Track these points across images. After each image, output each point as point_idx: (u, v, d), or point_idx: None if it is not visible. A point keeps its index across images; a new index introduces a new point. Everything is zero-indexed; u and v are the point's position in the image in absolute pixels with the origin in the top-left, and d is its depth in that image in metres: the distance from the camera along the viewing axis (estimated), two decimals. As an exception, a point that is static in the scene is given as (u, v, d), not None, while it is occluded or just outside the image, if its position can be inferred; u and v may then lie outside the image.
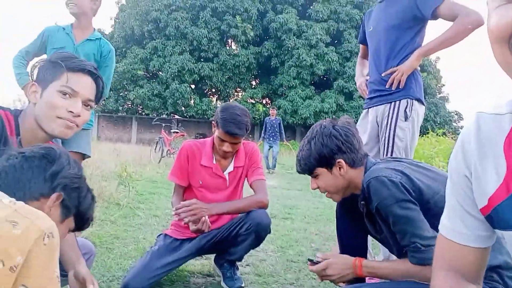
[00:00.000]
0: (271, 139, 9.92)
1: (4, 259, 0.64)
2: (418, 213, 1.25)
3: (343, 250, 1.67)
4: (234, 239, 2.06)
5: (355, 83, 2.66)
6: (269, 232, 2.06)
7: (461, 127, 25.57)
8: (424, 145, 8.92)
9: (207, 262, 2.40)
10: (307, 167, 1.48)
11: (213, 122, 2.03)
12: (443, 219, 0.82)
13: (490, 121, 0.72)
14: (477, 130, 0.74)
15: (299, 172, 1.55)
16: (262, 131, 10.17)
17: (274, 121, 10.00)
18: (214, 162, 2.09)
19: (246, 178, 2.16)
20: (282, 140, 10.21)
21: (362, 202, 1.42)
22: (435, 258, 0.83)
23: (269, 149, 9.93)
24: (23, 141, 1.20)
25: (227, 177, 2.11)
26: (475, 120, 0.75)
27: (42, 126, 1.19)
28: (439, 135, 10.78)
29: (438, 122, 22.56)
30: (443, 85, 26.75)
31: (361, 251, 1.65)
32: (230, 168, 2.11)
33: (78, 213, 1.00)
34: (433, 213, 1.23)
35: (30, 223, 0.68)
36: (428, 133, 10.63)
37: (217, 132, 1.98)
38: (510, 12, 0.57)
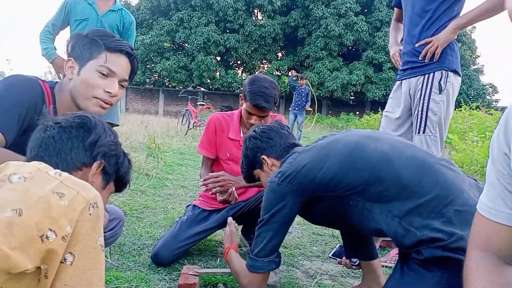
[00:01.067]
0: (296, 108, 9.77)
1: (56, 230, 0.67)
2: (280, 225, 1.34)
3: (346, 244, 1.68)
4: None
5: (385, 54, 2.56)
6: None
7: (496, 101, 24.46)
8: (457, 119, 8.62)
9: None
10: (246, 175, 1.58)
11: (240, 95, 2.01)
12: (482, 196, 0.79)
13: None
14: (506, 120, 0.70)
15: (246, 181, 1.66)
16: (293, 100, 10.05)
17: (302, 90, 9.78)
18: (242, 135, 2.09)
19: None
20: (306, 105, 9.97)
21: None
22: (471, 236, 0.80)
23: (295, 119, 9.82)
24: (58, 113, 1.23)
25: None
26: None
27: (77, 102, 1.22)
28: (473, 109, 10.37)
29: (472, 95, 21.63)
30: (478, 56, 25.49)
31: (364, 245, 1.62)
32: None
33: (117, 177, 1.03)
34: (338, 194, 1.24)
35: (76, 193, 0.71)
36: (461, 106, 10.25)
37: (245, 105, 1.96)
38: None
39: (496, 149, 0.74)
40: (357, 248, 1.61)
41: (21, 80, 1.16)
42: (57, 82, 1.28)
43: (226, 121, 2.10)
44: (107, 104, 1.24)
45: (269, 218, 1.33)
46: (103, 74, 1.21)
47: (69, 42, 1.24)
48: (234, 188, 1.89)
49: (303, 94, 9.71)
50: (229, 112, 2.17)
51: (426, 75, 2.06)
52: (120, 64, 1.25)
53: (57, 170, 0.76)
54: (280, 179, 1.30)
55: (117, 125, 2.72)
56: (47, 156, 0.88)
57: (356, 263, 1.61)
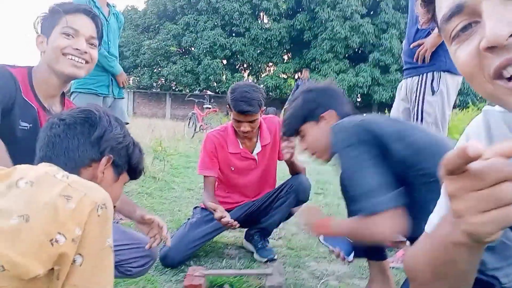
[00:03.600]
0: None
1: (64, 233, 0.67)
2: (369, 158, 1.11)
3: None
4: (271, 204, 2.11)
5: (392, 55, 2.56)
6: (308, 198, 2.11)
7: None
8: (464, 120, 8.54)
9: (240, 234, 2.45)
10: (291, 127, 1.43)
11: (227, 106, 2.02)
12: (432, 217, 0.73)
13: (499, 118, 0.66)
14: (486, 128, 0.68)
15: (284, 134, 1.50)
16: (291, 94, 9.92)
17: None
18: (241, 147, 2.09)
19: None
20: None
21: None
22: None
23: None
24: (39, 92, 1.28)
25: (256, 158, 2.12)
26: (483, 117, 0.69)
27: (53, 69, 1.27)
28: (480, 109, 10.26)
29: (479, 96, 21.37)
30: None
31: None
32: (258, 148, 2.12)
33: (130, 167, 1.03)
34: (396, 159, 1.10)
35: (83, 195, 0.71)
36: (468, 107, 10.17)
37: (232, 115, 1.97)
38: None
39: None
40: (367, 247, 1.56)
41: None
42: (35, 65, 1.34)
43: (223, 137, 2.10)
44: (81, 63, 1.29)
45: (354, 159, 1.12)
46: (67, 35, 1.26)
47: (36, 23, 1.30)
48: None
49: None
50: (221, 127, 2.17)
51: (420, 76, 2.08)
52: (82, 22, 1.30)
53: (65, 173, 0.76)
54: (359, 121, 1.17)
55: (127, 123, 2.75)
56: (55, 155, 0.88)
57: (350, 260, 1.57)
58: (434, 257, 0.59)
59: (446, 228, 0.54)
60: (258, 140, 2.11)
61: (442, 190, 0.73)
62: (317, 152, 1.42)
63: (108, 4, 2.57)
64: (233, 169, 2.11)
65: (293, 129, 1.42)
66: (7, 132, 1.16)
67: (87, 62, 1.30)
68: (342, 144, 1.16)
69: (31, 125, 1.23)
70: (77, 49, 1.26)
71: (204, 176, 2.08)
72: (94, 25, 1.34)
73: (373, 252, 1.57)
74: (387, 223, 1.05)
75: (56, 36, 1.26)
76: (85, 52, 1.28)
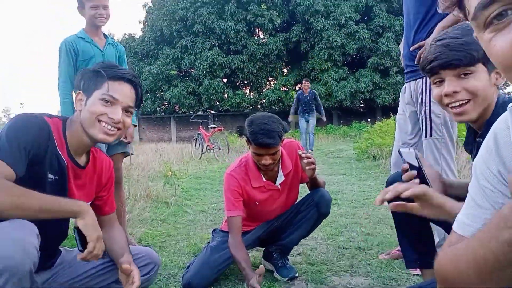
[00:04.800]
0: (306, 114, 9.34)
1: None
2: None
3: (405, 239, 1.59)
4: (292, 220, 2.07)
5: (390, 58, 2.56)
6: (329, 211, 2.06)
7: (509, 94, 23.94)
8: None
9: (257, 254, 2.41)
10: (470, 55, 1.11)
11: (245, 140, 1.93)
12: (463, 218, 0.73)
13: None
14: None
15: (446, 62, 1.14)
16: (292, 107, 9.57)
17: (308, 97, 9.26)
18: (264, 179, 2.02)
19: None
20: (320, 114, 9.48)
21: (479, 139, 1.17)
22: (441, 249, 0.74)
23: (307, 124, 9.39)
24: (70, 146, 1.29)
25: (279, 187, 2.06)
26: (510, 114, 0.67)
27: (86, 131, 1.27)
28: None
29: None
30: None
31: (424, 236, 1.56)
32: (281, 178, 2.03)
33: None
34: None
35: None
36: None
37: (251, 148, 1.89)
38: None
39: (485, 167, 0.70)
40: (418, 252, 1.52)
41: (24, 120, 1.20)
42: (69, 116, 1.35)
43: (244, 173, 2.01)
44: (113, 131, 1.28)
45: None
46: (106, 102, 1.26)
47: (79, 79, 1.32)
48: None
49: (310, 102, 9.27)
50: (238, 162, 2.06)
51: (424, 78, 2.06)
52: (122, 91, 1.29)
53: None
54: None
55: (132, 154, 2.73)
56: None
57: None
58: (483, 260, 0.57)
59: (501, 231, 0.52)
60: (280, 169, 2.03)
61: (473, 189, 0.72)
62: (474, 101, 1.14)
63: (105, 35, 2.55)
64: (257, 203, 2.05)
65: (471, 59, 1.12)
66: (34, 182, 1.15)
67: (119, 129, 1.31)
68: None
69: (57, 177, 1.24)
70: (112, 118, 1.27)
71: (229, 216, 1.98)
72: (134, 93, 1.34)
73: (426, 259, 1.50)
74: None
75: (95, 100, 1.27)
76: (120, 121, 1.29)
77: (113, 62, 1.37)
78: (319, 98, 9.44)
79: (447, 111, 1.19)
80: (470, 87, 1.12)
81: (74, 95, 2.35)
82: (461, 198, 1.42)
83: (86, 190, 1.36)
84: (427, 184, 1.23)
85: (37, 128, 1.19)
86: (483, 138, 1.14)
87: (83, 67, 2.38)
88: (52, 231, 1.27)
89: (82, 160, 1.34)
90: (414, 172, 1.27)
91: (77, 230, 1.17)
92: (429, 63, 1.17)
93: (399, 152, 1.38)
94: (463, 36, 1.12)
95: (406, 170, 1.29)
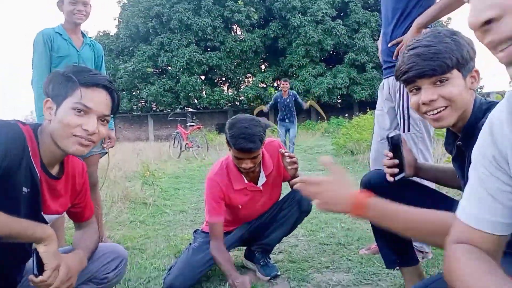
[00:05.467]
0: (286, 120, 7.83)
1: None
2: None
3: (381, 237, 1.57)
4: (274, 217, 2.07)
5: (366, 54, 2.58)
6: (311, 208, 2.05)
7: (481, 87, 24.67)
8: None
9: (239, 253, 2.40)
10: (444, 64, 1.10)
11: (226, 142, 1.88)
12: (463, 201, 0.76)
13: None
14: (510, 112, 0.67)
15: (419, 73, 1.13)
16: (269, 104, 8.29)
17: (288, 100, 7.80)
18: (246, 181, 1.99)
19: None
20: (301, 106, 8.00)
21: (459, 143, 1.18)
22: (451, 236, 0.77)
23: (286, 133, 7.93)
24: (44, 159, 1.19)
25: (261, 189, 2.04)
26: (506, 101, 0.68)
27: (57, 144, 1.17)
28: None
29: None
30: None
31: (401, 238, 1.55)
32: (263, 179, 2.01)
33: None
34: None
35: None
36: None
37: (232, 152, 1.85)
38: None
39: (481, 155, 0.72)
40: (396, 251, 1.52)
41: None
42: (40, 124, 1.23)
43: (226, 175, 1.98)
44: (88, 142, 1.18)
45: None
46: (79, 111, 1.14)
47: (48, 84, 1.19)
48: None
49: (290, 105, 7.78)
50: (218, 165, 2.01)
51: None
52: (97, 99, 1.18)
53: None
54: None
55: (106, 153, 2.64)
56: None
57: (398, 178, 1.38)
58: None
59: None
60: (261, 170, 2.01)
61: (472, 177, 0.74)
62: (451, 107, 1.14)
63: (83, 34, 2.43)
64: (240, 206, 2.03)
65: (445, 67, 1.11)
66: (8, 196, 1.08)
67: (93, 141, 1.19)
68: None
69: (29, 190, 1.14)
70: (86, 129, 1.15)
71: (211, 222, 1.94)
72: (110, 100, 1.22)
73: (404, 258, 1.53)
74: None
75: (66, 110, 1.14)
76: (95, 133, 1.17)
77: (86, 66, 1.25)
78: (300, 99, 7.99)
79: (424, 118, 1.20)
80: (447, 94, 1.13)
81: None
82: (432, 179, 1.49)
83: (61, 200, 1.30)
84: (403, 170, 1.38)
85: (11, 138, 1.09)
86: (463, 141, 1.16)
87: (57, 63, 2.28)
88: (15, 250, 1.21)
89: (55, 170, 1.26)
90: (396, 161, 1.38)
91: (36, 252, 1.11)
92: (403, 73, 1.16)
93: (388, 138, 1.42)
94: (436, 44, 1.12)
95: (390, 157, 1.39)
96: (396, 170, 1.39)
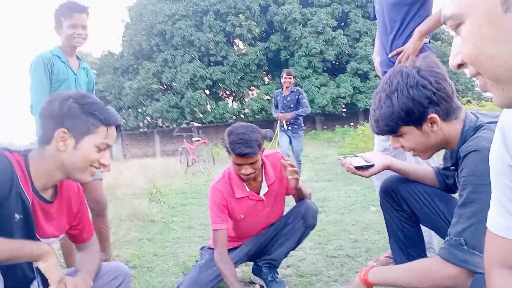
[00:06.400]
0: (290, 127, 5.89)
1: None
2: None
3: (397, 244, 1.62)
4: (280, 232, 2.07)
5: (368, 63, 2.59)
6: (316, 222, 2.07)
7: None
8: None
9: (247, 269, 2.39)
10: (389, 127, 1.22)
11: (226, 150, 1.93)
12: (492, 213, 0.76)
13: None
14: None
15: (376, 133, 1.32)
16: (273, 107, 6.40)
17: (288, 99, 5.90)
18: (248, 189, 2.02)
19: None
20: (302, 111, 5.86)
21: (452, 167, 1.28)
22: (486, 256, 0.77)
23: (290, 143, 5.95)
24: (36, 184, 1.21)
25: (264, 199, 2.05)
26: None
27: (71, 174, 1.23)
28: (464, 104, 10.45)
29: (461, 89, 21.83)
30: (460, 50, 25.81)
31: (415, 241, 1.59)
32: (265, 188, 2.04)
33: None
34: None
35: None
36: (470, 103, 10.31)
37: (231, 158, 1.90)
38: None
39: (499, 163, 0.72)
40: (409, 258, 1.55)
41: None
42: (31, 150, 1.24)
43: (228, 184, 2.01)
44: (98, 171, 1.27)
45: (478, 195, 1.03)
46: (100, 149, 1.23)
47: (61, 112, 1.19)
48: None
49: (289, 100, 5.91)
50: (222, 175, 2.06)
51: None
52: (114, 136, 1.27)
53: None
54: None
55: (101, 179, 2.50)
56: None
57: (359, 165, 1.59)
58: None
59: None
60: (264, 180, 2.04)
61: (495, 186, 0.75)
62: (415, 151, 1.28)
63: (78, 57, 2.42)
64: (242, 216, 2.04)
65: (389, 131, 1.24)
66: (1, 224, 1.10)
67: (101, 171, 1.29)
68: (479, 179, 1.03)
69: (21, 216, 1.16)
70: (103, 164, 1.25)
71: (215, 230, 1.95)
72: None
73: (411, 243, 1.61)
74: (458, 280, 1.06)
75: (90, 147, 1.21)
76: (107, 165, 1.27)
77: (97, 99, 1.29)
78: (305, 101, 5.89)
79: None
80: (405, 145, 1.26)
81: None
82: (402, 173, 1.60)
83: (57, 223, 1.31)
84: (368, 162, 1.57)
85: None
86: (456, 167, 1.24)
87: (56, 87, 2.25)
88: (16, 272, 1.22)
89: (49, 193, 1.28)
90: (347, 159, 1.64)
91: (38, 269, 1.13)
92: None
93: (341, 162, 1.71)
94: (381, 107, 1.22)
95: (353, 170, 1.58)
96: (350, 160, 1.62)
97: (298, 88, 6.16)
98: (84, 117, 1.20)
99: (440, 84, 1.15)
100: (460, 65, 0.60)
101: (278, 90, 6.19)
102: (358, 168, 1.58)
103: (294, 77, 6.14)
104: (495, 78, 0.54)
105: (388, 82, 1.20)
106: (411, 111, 1.15)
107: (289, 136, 5.96)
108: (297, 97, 5.89)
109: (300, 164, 6.12)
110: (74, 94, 1.23)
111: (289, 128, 5.92)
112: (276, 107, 6.16)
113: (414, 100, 1.14)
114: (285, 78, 6.00)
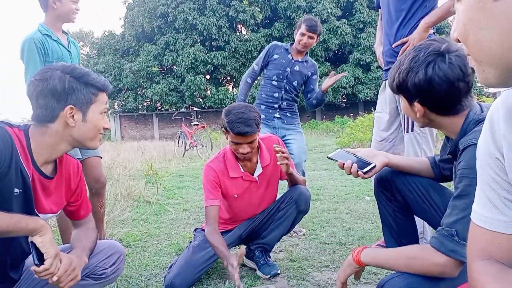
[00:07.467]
0: (281, 117, 3.14)
1: None
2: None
3: (389, 233, 1.64)
4: (272, 217, 2.09)
5: (371, 54, 2.58)
6: (309, 208, 2.09)
7: (487, 87, 24.52)
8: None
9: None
10: (400, 88, 1.25)
11: (223, 130, 1.94)
12: (475, 205, 0.76)
13: None
14: (506, 110, 0.68)
15: (393, 89, 1.30)
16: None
17: (297, 68, 3.05)
18: (242, 170, 2.03)
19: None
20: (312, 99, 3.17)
21: (449, 156, 1.29)
22: (469, 248, 0.77)
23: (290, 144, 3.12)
24: (37, 157, 1.21)
25: (257, 180, 2.06)
26: (503, 99, 0.69)
27: (82, 145, 1.29)
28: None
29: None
30: (464, 45, 25.72)
31: (408, 231, 1.61)
32: (259, 170, 2.05)
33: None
34: None
35: None
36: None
37: (229, 137, 1.90)
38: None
39: (486, 155, 0.72)
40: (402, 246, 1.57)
41: None
42: (30, 125, 1.24)
43: (222, 164, 2.02)
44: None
45: (473, 189, 1.02)
46: (102, 114, 1.30)
47: (59, 87, 1.19)
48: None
49: (297, 73, 3.06)
50: (217, 155, 2.08)
51: None
52: (108, 100, 1.36)
53: None
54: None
55: (101, 157, 2.49)
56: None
57: (367, 170, 1.46)
58: None
59: None
60: (259, 161, 2.05)
61: (480, 179, 0.74)
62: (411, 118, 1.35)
63: (63, 32, 2.33)
64: (236, 196, 2.05)
65: (399, 90, 1.27)
66: (1, 198, 1.11)
67: None
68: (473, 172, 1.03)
69: (21, 190, 1.17)
70: (107, 128, 1.33)
71: (207, 206, 1.95)
72: None
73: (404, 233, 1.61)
74: (446, 269, 1.08)
75: (97, 115, 1.28)
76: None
77: (87, 69, 1.29)
78: (316, 84, 3.21)
79: None
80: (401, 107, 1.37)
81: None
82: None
83: (56, 198, 1.32)
84: (368, 163, 1.46)
85: (0, 141, 1.11)
86: (454, 156, 1.24)
87: None
88: (13, 248, 1.23)
89: (49, 169, 1.28)
90: (349, 162, 1.46)
91: (33, 244, 1.13)
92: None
93: (330, 158, 1.56)
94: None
95: (343, 165, 1.47)
96: (356, 166, 1.46)
97: (314, 62, 3.26)
98: (84, 89, 1.23)
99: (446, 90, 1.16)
100: (458, 40, 0.62)
101: (281, 44, 3.31)
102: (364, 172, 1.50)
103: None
104: (478, 60, 0.59)
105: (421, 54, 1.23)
106: (410, 87, 1.21)
107: (281, 128, 3.71)
108: (310, 73, 3.12)
109: (304, 172, 4.65)
110: (65, 68, 1.22)
111: (277, 115, 3.26)
112: (255, 75, 3.38)
113: (414, 84, 1.19)
114: (305, 34, 3.07)
